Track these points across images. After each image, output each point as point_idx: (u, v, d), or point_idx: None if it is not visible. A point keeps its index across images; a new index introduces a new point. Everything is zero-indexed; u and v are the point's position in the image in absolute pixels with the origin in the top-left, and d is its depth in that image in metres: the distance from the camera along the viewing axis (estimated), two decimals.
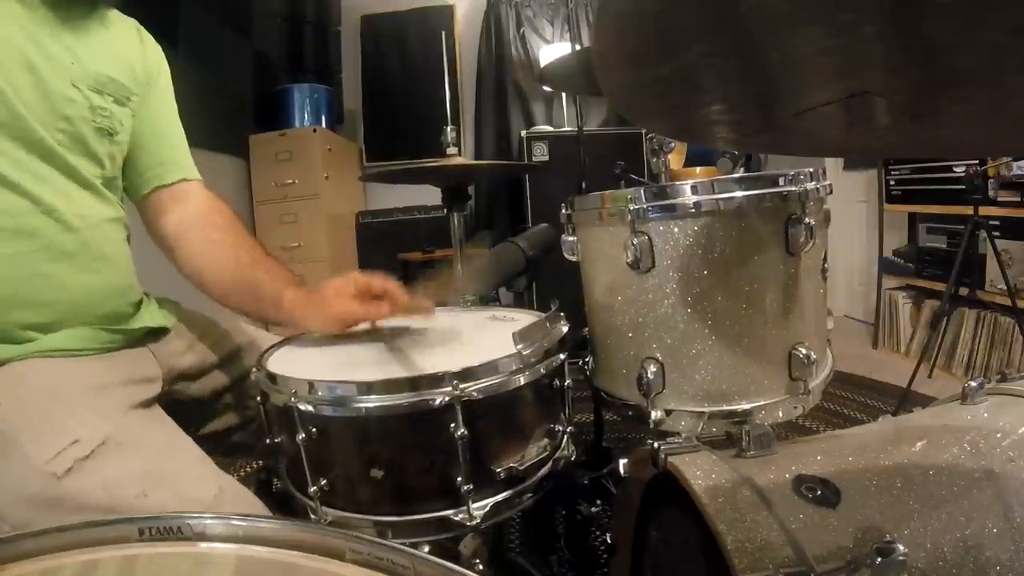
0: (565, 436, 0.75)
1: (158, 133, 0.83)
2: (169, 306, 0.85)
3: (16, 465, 0.56)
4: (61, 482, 0.56)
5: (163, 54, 0.85)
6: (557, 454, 0.72)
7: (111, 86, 0.73)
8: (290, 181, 2.82)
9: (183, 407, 0.80)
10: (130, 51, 0.79)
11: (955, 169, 2.17)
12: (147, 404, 0.71)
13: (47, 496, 0.56)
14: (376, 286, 0.79)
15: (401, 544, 0.31)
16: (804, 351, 0.74)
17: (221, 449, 0.90)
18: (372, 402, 0.61)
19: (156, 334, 0.80)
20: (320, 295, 0.79)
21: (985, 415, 0.58)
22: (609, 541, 0.70)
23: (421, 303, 0.80)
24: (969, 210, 1.85)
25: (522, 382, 0.66)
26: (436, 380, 0.61)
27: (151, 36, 0.84)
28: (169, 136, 0.84)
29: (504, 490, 0.65)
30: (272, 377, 0.67)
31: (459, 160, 1.27)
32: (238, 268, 0.80)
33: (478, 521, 0.62)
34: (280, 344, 0.82)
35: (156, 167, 0.82)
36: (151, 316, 0.79)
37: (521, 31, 3.39)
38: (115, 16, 0.78)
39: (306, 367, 0.69)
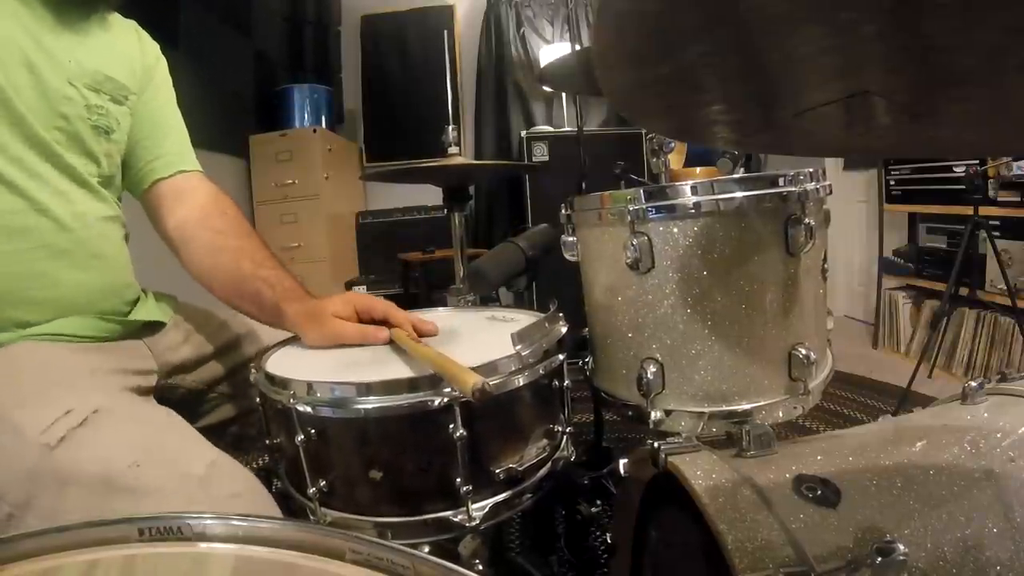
0: (564, 437, 0.75)
1: (156, 128, 0.83)
2: (166, 300, 0.85)
3: (10, 440, 0.56)
4: (54, 453, 0.56)
5: (160, 51, 0.86)
6: (556, 455, 0.72)
7: (108, 85, 0.73)
8: (290, 181, 2.82)
9: (180, 399, 0.81)
10: (129, 50, 0.79)
11: (955, 169, 2.17)
12: (141, 392, 0.71)
13: (42, 469, 0.55)
14: (376, 312, 0.77)
15: (401, 544, 0.31)
16: (804, 351, 0.74)
17: (222, 443, 0.90)
18: (371, 403, 0.61)
19: (152, 328, 0.80)
20: (319, 312, 0.77)
21: (985, 415, 0.58)
22: (609, 541, 0.70)
23: (423, 325, 0.78)
24: (969, 210, 1.85)
25: (521, 383, 0.65)
26: (435, 381, 0.61)
27: (148, 35, 0.84)
28: (167, 130, 0.84)
29: (503, 491, 0.65)
30: (271, 378, 0.67)
31: (460, 160, 1.27)
32: (240, 277, 0.79)
33: (477, 522, 0.62)
34: (280, 345, 0.82)
35: (154, 161, 0.82)
36: (147, 311, 0.79)
37: (521, 31, 3.40)
38: (114, 18, 0.78)
39: (305, 368, 0.69)
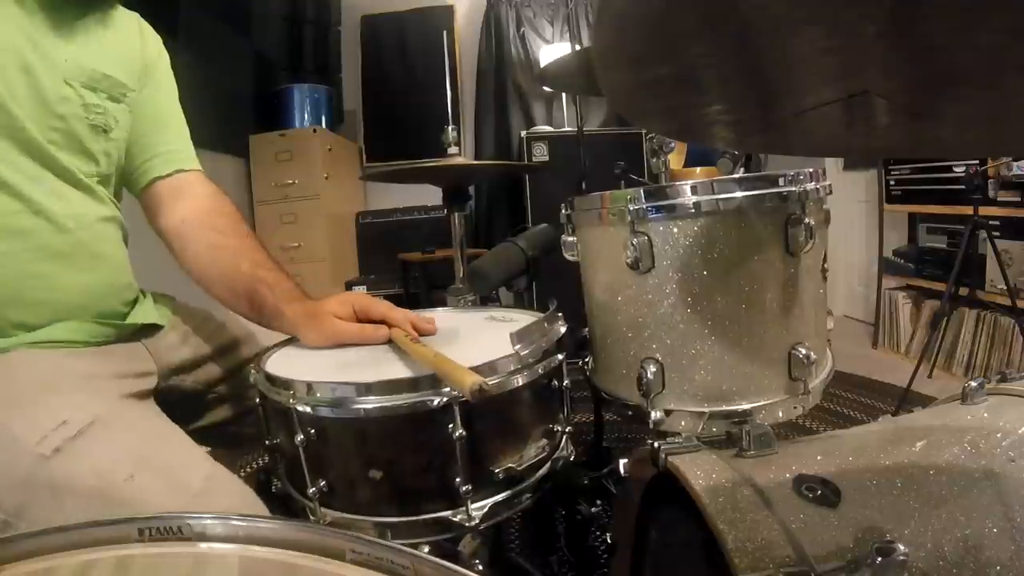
0: (564, 436, 0.75)
1: (156, 124, 0.82)
2: (164, 301, 0.85)
3: (5, 448, 0.56)
4: (50, 463, 0.56)
5: (162, 45, 0.85)
6: (556, 454, 0.72)
7: (105, 83, 0.72)
8: (290, 181, 2.82)
9: (179, 401, 0.80)
10: (129, 46, 0.78)
11: (955, 169, 2.17)
12: (140, 396, 0.71)
13: (37, 479, 0.55)
14: (375, 312, 0.77)
15: (401, 544, 0.31)
16: (804, 351, 0.74)
17: (220, 442, 0.90)
18: (371, 403, 0.61)
19: (149, 330, 0.80)
20: (317, 312, 0.77)
21: (985, 415, 0.58)
22: (609, 541, 0.70)
23: (422, 324, 0.78)
24: (969, 210, 1.85)
25: (520, 383, 0.65)
26: (435, 381, 0.61)
27: (151, 28, 0.83)
28: (167, 127, 0.84)
29: (503, 490, 0.65)
30: (271, 378, 0.67)
31: (460, 160, 1.27)
32: (238, 278, 0.79)
33: (477, 522, 0.62)
34: (280, 345, 0.82)
35: (153, 158, 0.82)
36: (145, 313, 0.79)
37: (521, 31, 3.40)
38: (116, 12, 0.77)
39: (304, 368, 0.69)
